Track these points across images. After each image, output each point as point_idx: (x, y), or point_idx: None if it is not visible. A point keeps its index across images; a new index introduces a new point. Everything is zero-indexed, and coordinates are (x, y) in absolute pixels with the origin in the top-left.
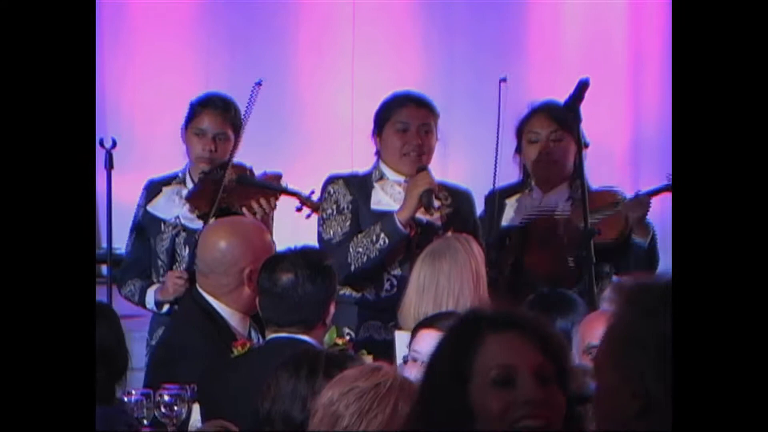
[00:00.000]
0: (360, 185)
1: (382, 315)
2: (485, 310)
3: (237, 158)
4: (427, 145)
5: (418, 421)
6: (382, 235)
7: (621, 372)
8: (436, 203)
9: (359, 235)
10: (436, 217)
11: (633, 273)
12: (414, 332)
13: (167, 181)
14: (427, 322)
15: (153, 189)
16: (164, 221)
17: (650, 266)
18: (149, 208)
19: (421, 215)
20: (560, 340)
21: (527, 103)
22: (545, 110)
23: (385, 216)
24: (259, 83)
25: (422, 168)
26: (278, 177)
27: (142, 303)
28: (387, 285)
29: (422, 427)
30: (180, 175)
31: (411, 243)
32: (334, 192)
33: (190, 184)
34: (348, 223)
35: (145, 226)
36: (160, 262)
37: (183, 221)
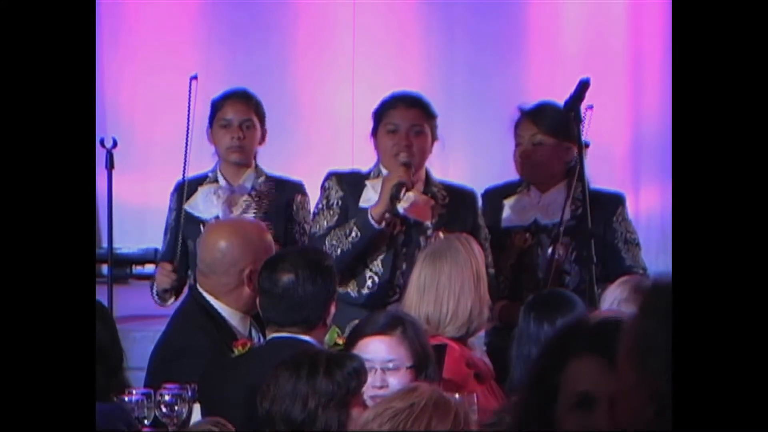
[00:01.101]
0: (354, 182)
1: (364, 313)
2: (586, 324)
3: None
4: (418, 146)
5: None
6: (355, 228)
7: (640, 373)
8: (421, 198)
9: (336, 229)
10: (425, 214)
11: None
12: (353, 341)
13: (199, 180)
14: (366, 331)
15: (185, 190)
16: (204, 222)
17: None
18: (187, 207)
19: (407, 213)
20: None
21: (525, 102)
22: (529, 115)
23: (362, 211)
24: (194, 77)
25: (404, 163)
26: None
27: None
28: (369, 282)
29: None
30: (210, 174)
31: (395, 240)
32: (328, 187)
33: (223, 182)
34: (335, 219)
35: (181, 228)
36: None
37: None
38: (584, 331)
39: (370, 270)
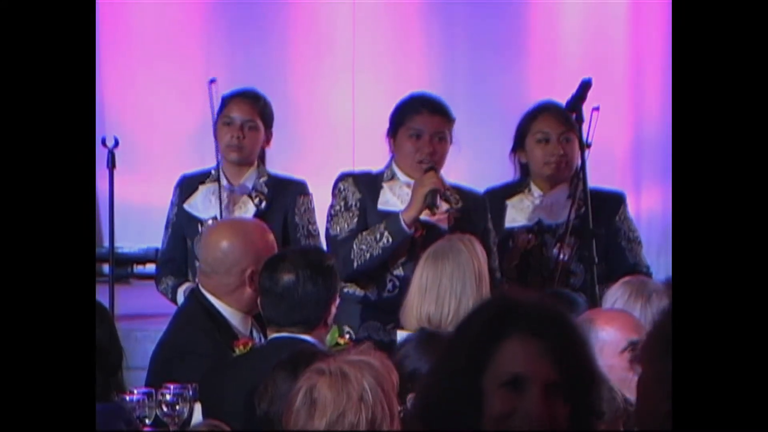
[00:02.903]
0: (370, 184)
1: (382, 315)
2: (519, 302)
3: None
4: (440, 153)
5: (428, 392)
6: (386, 233)
7: (656, 369)
8: (444, 205)
9: (363, 233)
10: (442, 219)
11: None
12: None
13: (201, 177)
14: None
15: (187, 185)
16: (202, 221)
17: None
18: (186, 206)
19: (426, 216)
20: (582, 351)
21: (525, 102)
22: (553, 111)
23: (390, 215)
24: (213, 80)
25: (430, 168)
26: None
27: (174, 301)
28: (389, 285)
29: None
30: (213, 171)
31: (415, 244)
32: (344, 189)
33: (224, 181)
34: (355, 221)
35: (181, 225)
36: (197, 263)
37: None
38: (525, 312)
39: (391, 273)
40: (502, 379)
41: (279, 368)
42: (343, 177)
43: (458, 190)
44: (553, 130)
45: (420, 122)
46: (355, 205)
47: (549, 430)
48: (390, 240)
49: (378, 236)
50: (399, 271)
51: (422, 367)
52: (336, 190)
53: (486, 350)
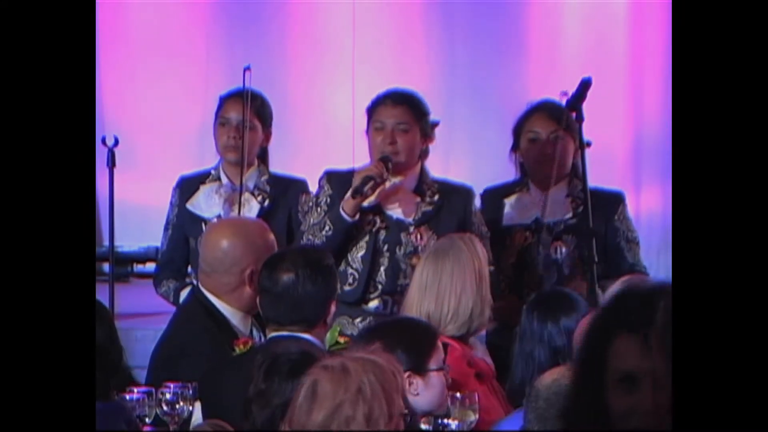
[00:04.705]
0: (343, 181)
1: (349, 310)
2: (630, 300)
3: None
4: (405, 144)
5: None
6: (328, 222)
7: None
8: (398, 193)
9: (311, 223)
10: (404, 212)
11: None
12: None
13: (201, 178)
14: None
15: (188, 186)
16: (205, 221)
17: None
18: (188, 206)
19: (391, 211)
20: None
21: (525, 102)
22: (545, 109)
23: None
24: (248, 67)
25: (382, 158)
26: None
27: (176, 304)
28: (350, 279)
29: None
30: (213, 171)
31: (376, 237)
32: (320, 187)
33: (225, 180)
34: (321, 218)
35: (182, 226)
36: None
37: None
38: (627, 309)
39: (351, 267)
40: (615, 377)
41: (273, 372)
42: (324, 174)
43: (440, 184)
44: (543, 129)
45: (382, 114)
46: (324, 201)
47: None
48: (331, 228)
49: (321, 225)
50: (358, 265)
51: None
52: (318, 187)
53: (602, 353)
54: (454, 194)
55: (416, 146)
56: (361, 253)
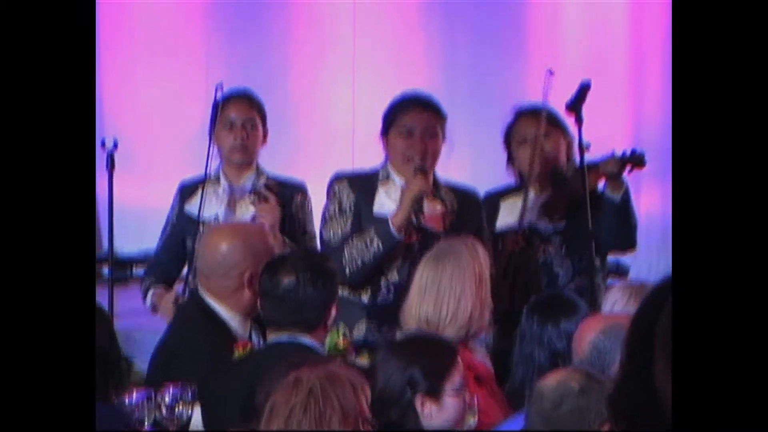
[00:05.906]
0: (364, 185)
1: (377, 319)
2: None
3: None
4: (432, 150)
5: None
6: (376, 239)
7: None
8: (438, 207)
9: (354, 239)
10: (436, 220)
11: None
12: None
13: (201, 181)
14: None
15: (188, 190)
16: (203, 222)
17: (625, 220)
18: (187, 207)
19: (426, 223)
20: None
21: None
22: (529, 112)
23: (380, 220)
24: (220, 85)
25: (420, 169)
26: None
27: (144, 302)
28: (384, 290)
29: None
30: (212, 175)
31: (411, 249)
32: (338, 191)
33: (224, 183)
34: (348, 224)
35: (181, 227)
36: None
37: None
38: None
39: (386, 278)
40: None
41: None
42: (337, 178)
43: (452, 189)
44: (528, 131)
45: (410, 119)
46: (350, 208)
47: None
48: (380, 246)
49: (368, 242)
50: (394, 277)
51: (394, 374)
52: (330, 191)
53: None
54: (467, 201)
55: (439, 151)
56: (398, 264)
